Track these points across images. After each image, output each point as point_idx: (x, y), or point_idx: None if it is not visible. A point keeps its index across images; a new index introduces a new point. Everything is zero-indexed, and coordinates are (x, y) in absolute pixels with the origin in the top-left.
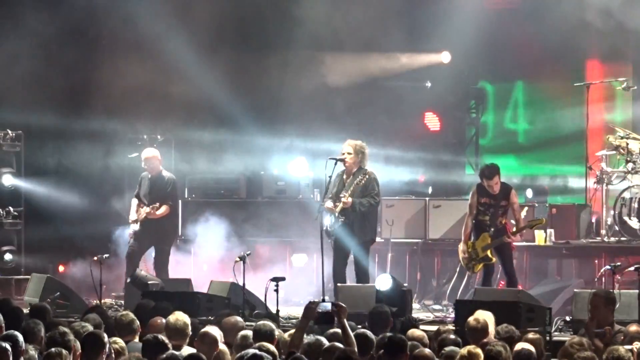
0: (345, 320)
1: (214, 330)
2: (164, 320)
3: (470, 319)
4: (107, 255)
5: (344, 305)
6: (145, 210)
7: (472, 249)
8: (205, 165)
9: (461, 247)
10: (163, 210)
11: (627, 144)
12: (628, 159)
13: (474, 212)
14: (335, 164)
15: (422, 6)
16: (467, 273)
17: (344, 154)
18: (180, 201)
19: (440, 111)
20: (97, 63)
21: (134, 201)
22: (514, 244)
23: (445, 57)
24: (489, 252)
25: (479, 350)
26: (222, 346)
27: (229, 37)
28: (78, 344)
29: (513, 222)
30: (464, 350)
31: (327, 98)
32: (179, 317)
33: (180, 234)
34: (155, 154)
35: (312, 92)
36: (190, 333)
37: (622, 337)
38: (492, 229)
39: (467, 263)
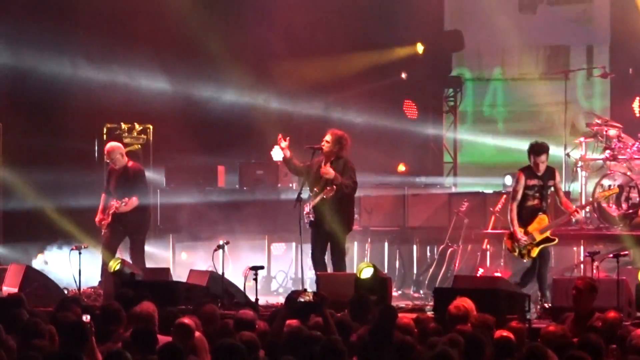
0: (326, 310)
1: (190, 320)
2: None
3: (451, 306)
4: (86, 245)
5: (325, 295)
6: (114, 205)
7: (526, 233)
8: (183, 154)
9: (518, 234)
10: (131, 203)
11: (606, 130)
12: (606, 145)
13: (518, 198)
14: (314, 152)
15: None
16: (446, 261)
17: (323, 142)
18: (158, 190)
19: (417, 100)
20: None
21: (103, 196)
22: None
23: (419, 48)
24: (548, 233)
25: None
26: (198, 335)
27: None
28: (55, 332)
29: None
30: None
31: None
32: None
33: (158, 223)
34: (116, 147)
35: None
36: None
37: (599, 324)
38: (545, 210)
39: (522, 249)
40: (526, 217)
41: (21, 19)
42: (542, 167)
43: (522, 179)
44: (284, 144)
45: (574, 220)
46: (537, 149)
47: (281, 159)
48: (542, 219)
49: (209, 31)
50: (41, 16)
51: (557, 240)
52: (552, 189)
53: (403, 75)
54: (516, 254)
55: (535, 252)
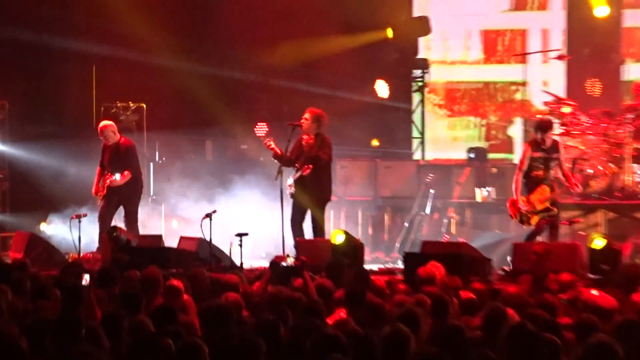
0: (306, 273)
1: (179, 282)
2: (138, 273)
3: (420, 269)
4: (85, 214)
5: (305, 259)
6: (109, 179)
7: (527, 202)
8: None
9: (519, 202)
10: (123, 177)
11: (560, 108)
12: (561, 121)
13: (523, 168)
14: (293, 128)
15: None
16: (415, 228)
17: (302, 119)
18: (151, 164)
19: (389, 80)
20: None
21: (99, 170)
22: None
23: (390, 32)
24: (548, 204)
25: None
26: (187, 297)
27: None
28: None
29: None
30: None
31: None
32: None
33: (151, 193)
34: (107, 125)
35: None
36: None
37: (555, 285)
38: (548, 181)
39: (523, 216)
40: (530, 186)
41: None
42: (549, 142)
43: (528, 151)
44: (272, 145)
45: (575, 190)
46: (544, 126)
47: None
48: (544, 190)
49: (200, 13)
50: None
51: (556, 210)
52: (557, 161)
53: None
54: (517, 220)
55: (535, 220)
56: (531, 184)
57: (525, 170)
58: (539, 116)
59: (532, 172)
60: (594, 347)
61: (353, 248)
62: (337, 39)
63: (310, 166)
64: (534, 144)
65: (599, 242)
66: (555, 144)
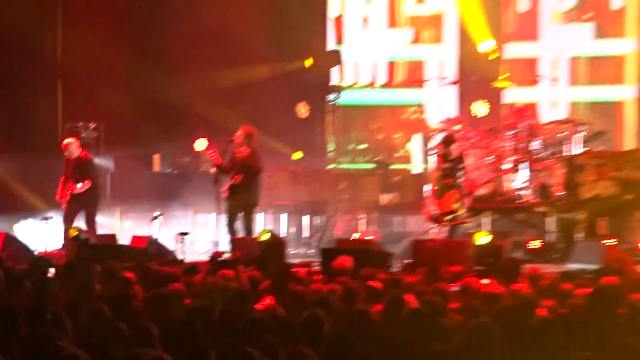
0: (240, 266)
1: (131, 274)
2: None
3: (334, 262)
4: (51, 216)
5: (239, 255)
6: (71, 187)
7: (439, 206)
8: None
9: (432, 205)
10: (84, 185)
11: (452, 126)
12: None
13: (436, 176)
14: (229, 143)
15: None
16: (330, 227)
17: (236, 135)
18: (108, 173)
19: (309, 103)
20: None
21: (62, 179)
22: None
23: (308, 62)
24: (455, 207)
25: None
26: (137, 287)
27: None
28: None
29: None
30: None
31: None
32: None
33: (108, 199)
34: (71, 141)
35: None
36: None
37: (448, 275)
38: (458, 188)
39: (437, 218)
40: (441, 192)
41: None
42: (455, 153)
43: (438, 163)
44: (215, 156)
45: (475, 193)
46: (449, 140)
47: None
48: (451, 194)
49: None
50: None
51: (461, 211)
52: (463, 170)
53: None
54: (430, 221)
55: (445, 220)
56: (442, 190)
57: (437, 179)
58: (442, 133)
59: (443, 180)
60: (474, 327)
61: (277, 245)
62: (266, 65)
63: (241, 175)
64: (442, 157)
65: (484, 239)
66: (461, 156)
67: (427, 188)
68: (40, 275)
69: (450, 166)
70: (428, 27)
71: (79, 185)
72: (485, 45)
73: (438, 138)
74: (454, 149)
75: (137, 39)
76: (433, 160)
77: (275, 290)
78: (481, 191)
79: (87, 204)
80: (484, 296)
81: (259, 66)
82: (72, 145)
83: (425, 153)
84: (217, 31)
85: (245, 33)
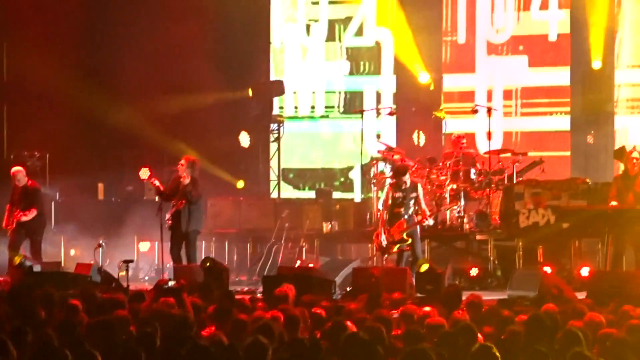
0: (184, 294)
1: (77, 301)
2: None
3: (277, 290)
4: None
5: (184, 283)
6: (17, 215)
7: (389, 234)
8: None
9: (381, 234)
10: (30, 213)
11: (392, 155)
12: (392, 166)
13: (388, 205)
14: (172, 172)
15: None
16: (272, 255)
17: (179, 164)
18: (53, 202)
19: (251, 132)
20: None
21: (8, 207)
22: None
23: (250, 92)
24: (404, 235)
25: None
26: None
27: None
28: None
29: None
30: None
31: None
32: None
33: (52, 227)
34: (18, 170)
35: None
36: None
37: (387, 302)
38: (407, 217)
39: (385, 246)
40: (392, 221)
41: None
42: (408, 183)
43: (389, 192)
44: (157, 182)
45: (425, 224)
46: (400, 171)
47: (154, 192)
48: (402, 223)
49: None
50: None
51: (410, 240)
52: (414, 200)
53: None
54: (378, 249)
55: (394, 249)
56: (393, 218)
57: (388, 208)
58: (394, 163)
59: (394, 209)
60: (411, 352)
61: (220, 272)
62: (212, 94)
63: (184, 201)
64: (394, 186)
65: (425, 267)
66: (414, 185)
67: (374, 215)
68: None
69: (401, 195)
70: (366, 58)
71: (27, 213)
72: (424, 76)
73: (389, 168)
74: (406, 179)
75: (84, 65)
76: (374, 189)
77: (219, 317)
78: (430, 221)
79: (33, 231)
80: (424, 323)
81: (204, 94)
82: (20, 174)
83: (367, 182)
84: (164, 59)
85: (191, 61)
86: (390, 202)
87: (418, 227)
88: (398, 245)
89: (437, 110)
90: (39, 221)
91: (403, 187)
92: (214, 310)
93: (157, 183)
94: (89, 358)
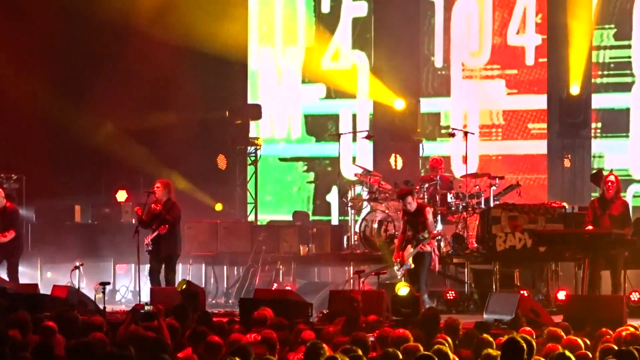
0: (161, 318)
1: (53, 323)
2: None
3: (255, 313)
4: None
5: (161, 307)
6: None
7: (401, 257)
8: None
9: (395, 257)
10: (9, 235)
11: (369, 179)
12: (369, 190)
13: (402, 228)
14: (148, 195)
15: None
16: (249, 278)
17: (154, 187)
18: (29, 224)
19: (228, 155)
20: None
21: None
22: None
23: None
24: (410, 260)
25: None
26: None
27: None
28: None
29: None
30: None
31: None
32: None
33: (29, 249)
34: None
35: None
36: None
37: (364, 325)
38: (415, 241)
39: (398, 269)
40: (404, 245)
41: None
42: (414, 206)
43: (402, 216)
44: (139, 212)
45: (426, 249)
46: (400, 194)
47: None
48: (408, 248)
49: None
50: None
51: (412, 265)
52: (422, 224)
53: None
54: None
55: (402, 273)
56: (405, 242)
57: (402, 232)
58: (350, 185)
59: (406, 233)
60: None
61: (196, 295)
62: (190, 115)
63: (167, 226)
64: (403, 210)
65: (403, 290)
66: (420, 209)
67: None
68: None
69: (408, 219)
70: (343, 82)
71: (6, 235)
72: (398, 104)
73: (366, 191)
74: (408, 202)
75: (61, 86)
76: (352, 212)
77: (194, 339)
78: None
79: (10, 254)
80: (400, 346)
81: (182, 116)
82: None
83: (344, 205)
84: (142, 80)
85: (170, 83)
86: (403, 226)
87: (429, 252)
88: (402, 267)
89: (415, 134)
90: (17, 243)
91: (409, 211)
92: (189, 332)
93: (139, 213)
94: None
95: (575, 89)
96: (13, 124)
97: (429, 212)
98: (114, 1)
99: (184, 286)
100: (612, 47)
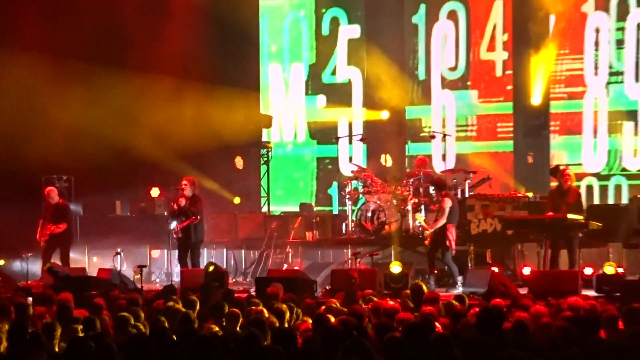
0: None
1: (100, 300)
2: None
3: (268, 289)
4: (31, 254)
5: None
6: (50, 228)
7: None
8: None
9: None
10: (61, 227)
11: (363, 175)
12: (364, 184)
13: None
14: (177, 191)
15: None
16: (263, 260)
17: (181, 184)
18: (78, 217)
19: (244, 157)
20: None
21: (41, 222)
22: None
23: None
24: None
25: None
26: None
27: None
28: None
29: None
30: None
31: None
32: None
33: (78, 238)
34: (52, 189)
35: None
36: None
37: (360, 298)
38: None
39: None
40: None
41: None
42: (437, 197)
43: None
44: (175, 206)
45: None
46: (436, 184)
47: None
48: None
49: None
50: None
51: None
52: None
53: None
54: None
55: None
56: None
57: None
58: (347, 180)
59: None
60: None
61: (220, 275)
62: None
63: (198, 217)
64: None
65: (396, 268)
66: (441, 198)
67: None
68: (21, 303)
69: (436, 207)
70: (340, 93)
71: (59, 227)
72: (383, 114)
73: (361, 185)
74: (432, 190)
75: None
76: (349, 203)
77: (215, 313)
78: (387, 228)
79: (62, 242)
80: (392, 315)
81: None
82: (53, 193)
83: (342, 197)
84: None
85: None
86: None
87: (448, 236)
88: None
89: (401, 136)
90: (68, 234)
91: (435, 199)
92: (211, 307)
93: (175, 207)
94: (107, 349)
95: (537, 100)
96: (64, 134)
97: (445, 201)
98: None
99: (211, 267)
100: (567, 61)
